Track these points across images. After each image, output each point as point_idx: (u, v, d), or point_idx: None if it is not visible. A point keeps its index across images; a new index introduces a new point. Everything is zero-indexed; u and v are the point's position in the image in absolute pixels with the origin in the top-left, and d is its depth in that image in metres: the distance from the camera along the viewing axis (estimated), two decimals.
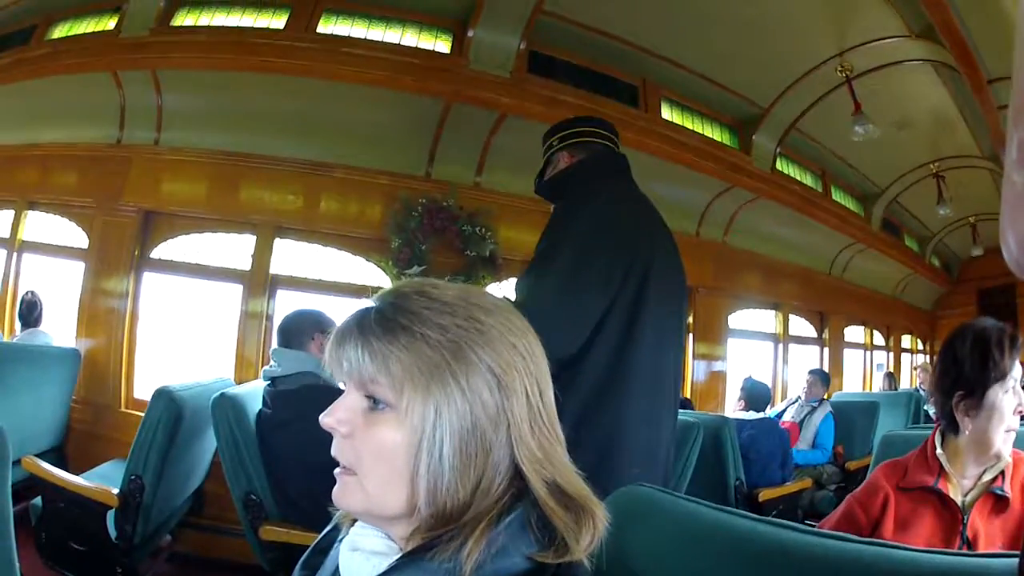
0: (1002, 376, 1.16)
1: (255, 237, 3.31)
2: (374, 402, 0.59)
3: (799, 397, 3.87)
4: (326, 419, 0.60)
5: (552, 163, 1.62)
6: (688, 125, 3.67)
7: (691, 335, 3.69)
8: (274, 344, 2.12)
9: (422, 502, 0.57)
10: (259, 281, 3.27)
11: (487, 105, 3.30)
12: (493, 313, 0.60)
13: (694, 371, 3.70)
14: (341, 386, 0.63)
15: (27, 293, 3.57)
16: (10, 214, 4.28)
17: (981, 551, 1.11)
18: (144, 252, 3.48)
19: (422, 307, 0.59)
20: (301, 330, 2.06)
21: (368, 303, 0.62)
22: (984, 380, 1.17)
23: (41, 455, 2.59)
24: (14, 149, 4.27)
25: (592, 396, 1.35)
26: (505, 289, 3.29)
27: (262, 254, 3.28)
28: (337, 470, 0.61)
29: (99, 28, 4.05)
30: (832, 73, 4.04)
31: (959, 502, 1.19)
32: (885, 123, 4.23)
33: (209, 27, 3.59)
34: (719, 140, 3.77)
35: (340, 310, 2.47)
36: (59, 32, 4.28)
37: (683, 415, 3.24)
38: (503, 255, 3.32)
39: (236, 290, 3.33)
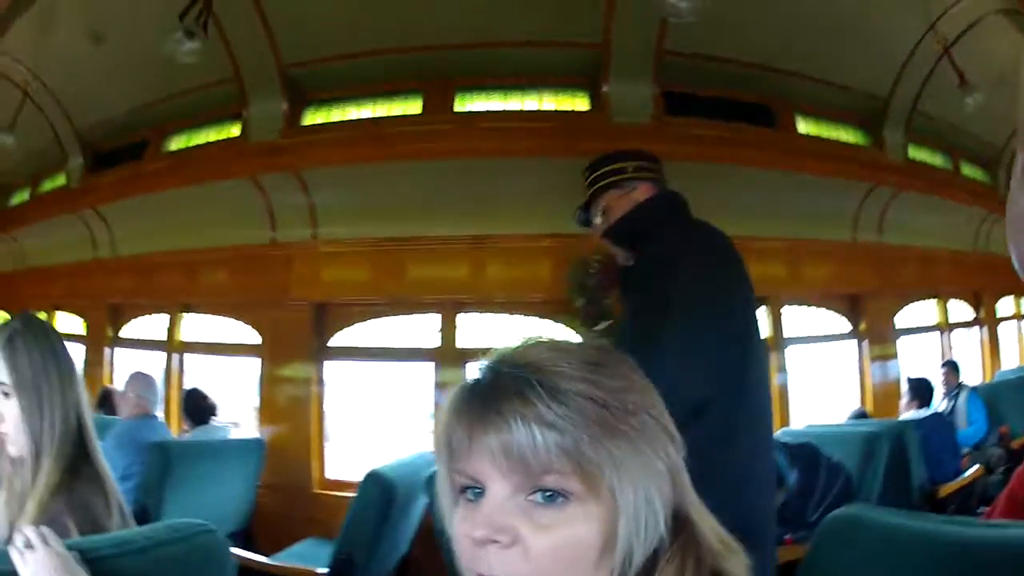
0: None
1: (440, 315, 3.40)
2: (549, 496, 0.47)
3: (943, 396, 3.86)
4: (477, 532, 0.47)
5: (604, 199, 1.50)
6: (824, 134, 3.68)
7: (864, 342, 3.74)
8: None
9: None
10: (450, 357, 3.36)
11: None
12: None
13: (870, 377, 3.73)
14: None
15: (193, 390, 3.67)
16: (165, 318, 4.48)
17: None
18: (322, 341, 3.62)
19: (564, 365, 0.49)
20: None
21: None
22: None
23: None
24: (160, 256, 4.46)
25: (722, 437, 1.31)
26: None
27: (448, 330, 3.38)
28: None
29: (222, 136, 4.17)
30: (931, 48, 4.00)
31: None
32: (988, 85, 4.17)
33: (343, 122, 3.68)
34: (854, 142, 3.76)
35: None
36: (176, 144, 4.43)
37: (866, 425, 3.30)
38: None
39: (427, 368, 3.44)
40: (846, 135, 3.76)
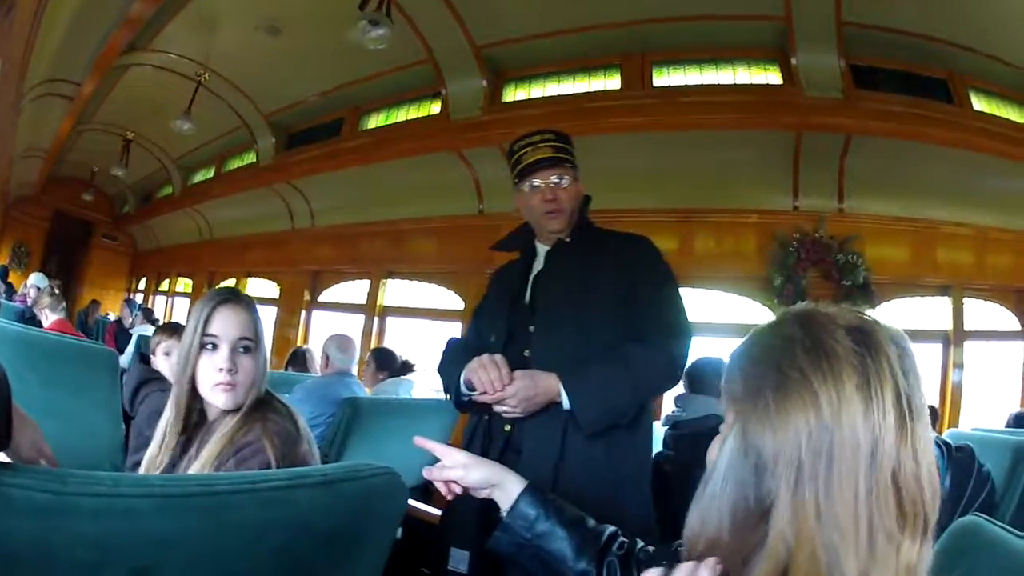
0: None
1: None
2: None
3: None
4: None
5: (568, 172, 1.46)
6: (998, 113, 3.70)
7: None
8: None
9: None
10: None
11: (831, 130, 3.44)
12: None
13: None
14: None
15: (380, 349, 3.66)
16: (365, 284, 4.89)
17: None
18: None
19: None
20: (714, 374, 2.07)
21: None
22: None
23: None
24: (363, 226, 4.88)
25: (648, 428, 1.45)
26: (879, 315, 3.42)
27: None
28: None
29: (422, 114, 4.56)
30: None
31: None
32: None
33: (543, 98, 3.93)
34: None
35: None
36: (374, 122, 4.83)
37: (1018, 434, 3.22)
38: (874, 278, 3.39)
39: None
40: (1015, 115, 3.85)
